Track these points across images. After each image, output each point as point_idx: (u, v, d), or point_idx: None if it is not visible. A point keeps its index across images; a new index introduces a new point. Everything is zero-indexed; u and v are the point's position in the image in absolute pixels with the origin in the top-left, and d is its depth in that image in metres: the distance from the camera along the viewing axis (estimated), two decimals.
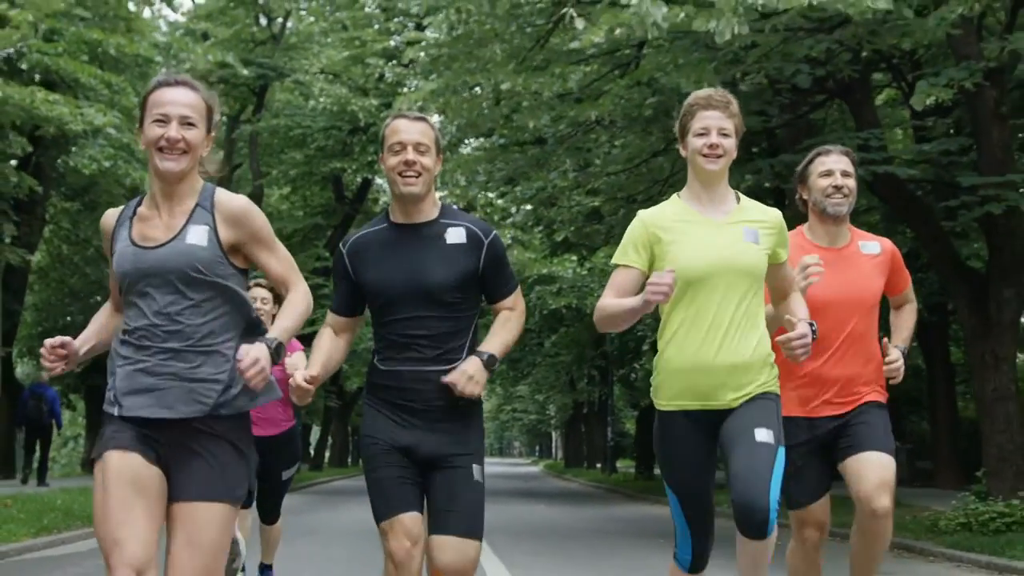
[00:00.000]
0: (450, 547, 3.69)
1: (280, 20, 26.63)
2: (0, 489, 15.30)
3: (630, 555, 10.24)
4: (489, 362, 3.76)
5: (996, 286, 11.90)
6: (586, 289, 19.31)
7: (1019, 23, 11.11)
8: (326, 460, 37.29)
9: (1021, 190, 11.61)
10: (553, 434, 73.04)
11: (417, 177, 3.75)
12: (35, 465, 19.00)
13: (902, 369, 4.54)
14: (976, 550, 9.40)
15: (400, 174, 3.75)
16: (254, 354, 3.17)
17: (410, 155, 3.73)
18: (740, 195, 3.96)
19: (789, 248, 3.99)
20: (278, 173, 27.69)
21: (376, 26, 25.76)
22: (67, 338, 3.37)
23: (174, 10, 19.89)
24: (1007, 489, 11.04)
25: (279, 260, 3.42)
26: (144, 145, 3.35)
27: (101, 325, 3.53)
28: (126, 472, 3.15)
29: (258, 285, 6.09)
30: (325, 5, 27.52)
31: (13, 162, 15.66)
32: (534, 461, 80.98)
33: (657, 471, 31.33)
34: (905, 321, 4.78)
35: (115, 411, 3.23)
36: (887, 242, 4.71)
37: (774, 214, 3.93)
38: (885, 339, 4.57)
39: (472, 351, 3.82)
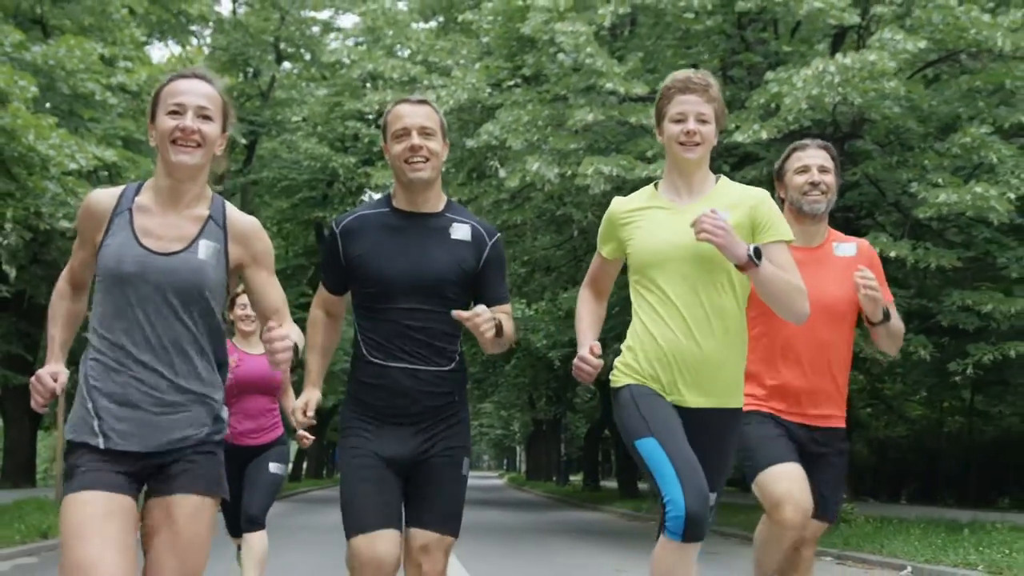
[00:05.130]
0: (428, 542, 3.50)
1: (267, 78, 29.30)
2: (33, 493, 18.54)
3: (559, 551, 11.85)
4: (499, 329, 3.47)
5: None
6: (531, 325, 22.43)
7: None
8: (303, 472, 39.45)
9: None
10: (517, 448, 74.63)
11: (425, 162, 3.49)
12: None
13: (875, 284, 4.03)
14: None
15: (406, 161, 3.50)
16: (294, 335, 3.05)
17: (415, 140, 3.49)
18: (722, 178, 3.65)
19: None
20: (265, 217, 30.44)
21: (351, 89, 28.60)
22: (63, 369, 3.06)
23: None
24: None
25: (277, 289, 3.21)
26: (156, 139, 3.04)
27: (65, 321, 3.20)
28: (99, 511, 2.85)
29: (246, 291, 6.43)
30: (308, 59, 30.24)
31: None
32: (501, 474, 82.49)
33: (604, 482, 34.05)
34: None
35: (100, 443, 2.93)
36: (865, 243, 4.32)
37: (753, 192, 3.58)
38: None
39: (461, 359, 3.64)
